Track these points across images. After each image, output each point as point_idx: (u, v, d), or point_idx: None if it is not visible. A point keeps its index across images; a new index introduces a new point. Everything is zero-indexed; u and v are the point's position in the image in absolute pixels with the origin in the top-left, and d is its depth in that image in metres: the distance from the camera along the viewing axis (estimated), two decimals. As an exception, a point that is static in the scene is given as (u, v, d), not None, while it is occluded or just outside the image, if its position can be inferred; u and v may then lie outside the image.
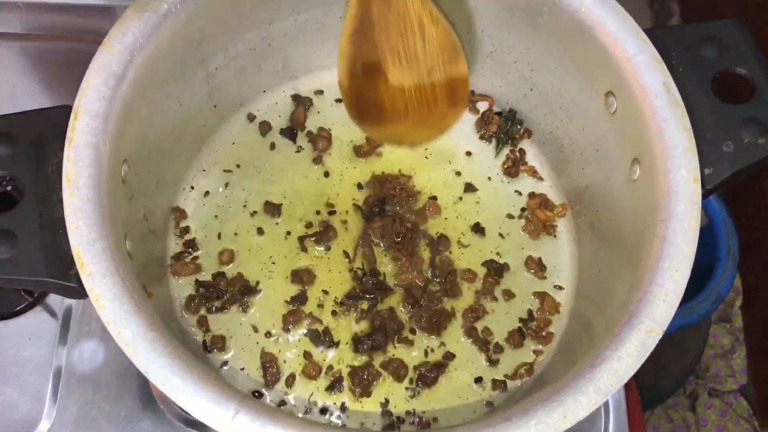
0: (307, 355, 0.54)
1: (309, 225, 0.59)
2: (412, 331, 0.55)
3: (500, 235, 0.59)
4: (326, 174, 0.61)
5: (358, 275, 0.56)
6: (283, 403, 0.53)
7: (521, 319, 0.57)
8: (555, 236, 0.60)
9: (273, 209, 0.58)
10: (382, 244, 0.58)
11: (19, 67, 0.67)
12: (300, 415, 0.53)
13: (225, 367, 0.54)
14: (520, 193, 0.61)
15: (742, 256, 1.03)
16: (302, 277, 0.56)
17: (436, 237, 0.58)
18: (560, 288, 0.58)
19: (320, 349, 0.55)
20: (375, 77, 0.57)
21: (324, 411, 0.53)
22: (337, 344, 0.55)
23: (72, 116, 0.43)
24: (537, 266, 0.58)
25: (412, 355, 0.55)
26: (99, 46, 0.45)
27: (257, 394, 0.53)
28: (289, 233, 0.58)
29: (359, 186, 0.60)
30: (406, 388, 0.54)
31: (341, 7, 0.58)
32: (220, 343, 0.54)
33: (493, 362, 0.55)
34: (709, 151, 0.46)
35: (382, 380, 0.54)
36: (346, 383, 0.53)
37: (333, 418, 0.53)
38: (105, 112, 0.43)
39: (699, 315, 1.00)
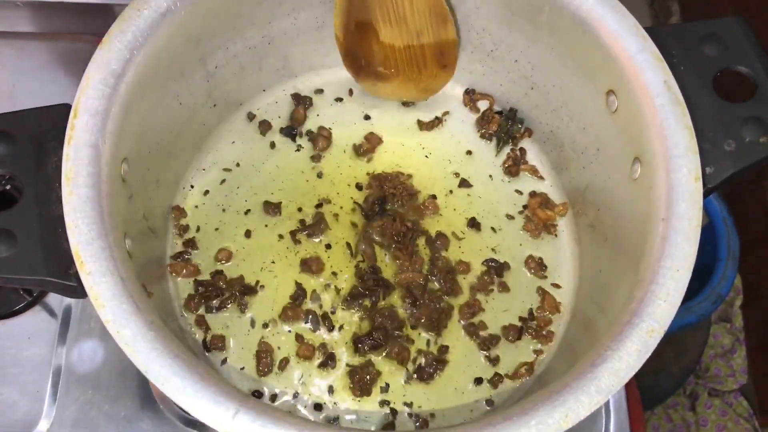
0: (299, 338, 0.54)
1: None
2: (413, 328, 0.55)
3: (500, 234, 0.59)
4: (326, 173, 0.60)
5: (359, 273, 0.56)
6: (274, 397, 0.53)
7: (521, 318, 0.56)
8: (555, 235, 0.59)
9: (272, 208, 0.58)
10: (383, 243, 0.57)
11: (18, 66, 0.67)
12: (291, 399, 0.53)
13: (224, 365, 0.54)
14: (520, 192, 0.61)
15: (743, 255, 1.03)
16: (311, 265, 0.56)
17: (434, 235, 0.58)
18: (561, 287, 0.58)
19: (318, 332, 0.55)
20: (368, 34, 0.58)
21: (319, 407, 0.53)
22: (339, 328, 0.55)
23: (71, 114, 0.43)
24: (537, 265, 0.58)
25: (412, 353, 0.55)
26: (98, 45, 0.45)
27: (257, 394, 0.53)
28: (288, 232, 0.58)
29: (358, 186, 0.60)
30: (405, 382, 0.54)
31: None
32: (219, 342, 0.54)
33: (493, 361, 0.55)
34: (710, 149, 0.46)
35: (381, 379, 0.54)
36: (345, 382, 0.53)
37: (332, 417, 0.53)
38: (104, 111, 0.43)
39: (699, 315, 1.00)
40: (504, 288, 0.57)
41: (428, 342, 0.55)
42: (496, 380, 0.54)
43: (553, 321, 0.56)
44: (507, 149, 0.62)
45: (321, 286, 0.56)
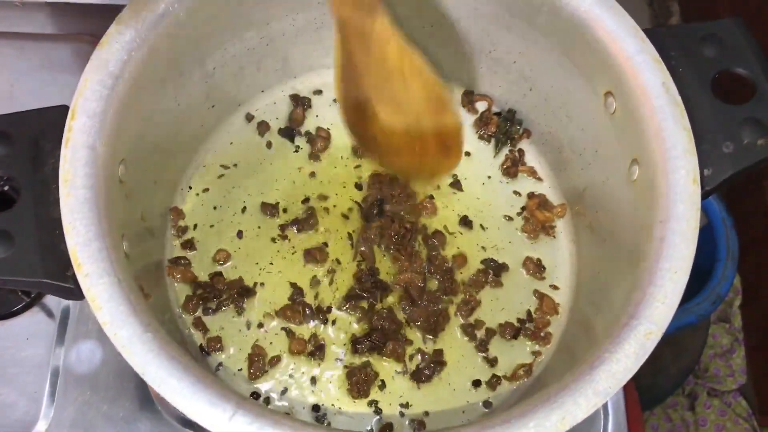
0: (291, 333, 0.54)
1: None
2: (410, 328, 0.55)
3: (498, 235, 0.59)
4: (324, 174, 0.60)
5: (358, 274, 0.56)
6: (271, 399, 0.53)
7: (519, 320, 0.56)
8: (554, 237, 0.59)
9: (270, 209, 0.58)
10: (381, 245, 0.57)
11: (17, 67, 0.67)
12: (288, 401, 0.53)
13: (221, 368, 0.54)
14: (518, 194, 0.61)
15: (742, 255, 1.03)
16: (315, 255, 0.57)
17: (432, 233, 0.58)
18: (559, 288, 0.58)
19: (312, 324, 0.55)
20: (368, 114, 0.55)
21: (317, 409, 0.53)
22: (332, 322, 0.55)
23: (69, 116, 0.43)
24: (535, 267, 0.58)
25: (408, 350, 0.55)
26: (96, 46, 0.45)
27: (255, 395, 0.53)
28: (278, 226, 0.58)
29: (357, 185, 0.60)
30: (402, 384, 0.54)
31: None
32: (217, 344, 0.54)
33: (491, 362, 0.55)
34: (708, 151, 0.46)
35: (379, 380, 0.54)
36: (343, 383, 0.53)
37: (328, 419, 0.53)
38: (102, 112, 0.43)
39: (698, 315, 1.00)
40: (501, 289, 0.57)
41: (426, 343, 0.55)
42: (494, 382, 0.54)
43: (551, 322, 0.56)
44: (505, 150, 0.62)
45: (322, 275, 0.57)
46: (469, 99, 0.63)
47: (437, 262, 0.57)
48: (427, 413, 0.53)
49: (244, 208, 0.59)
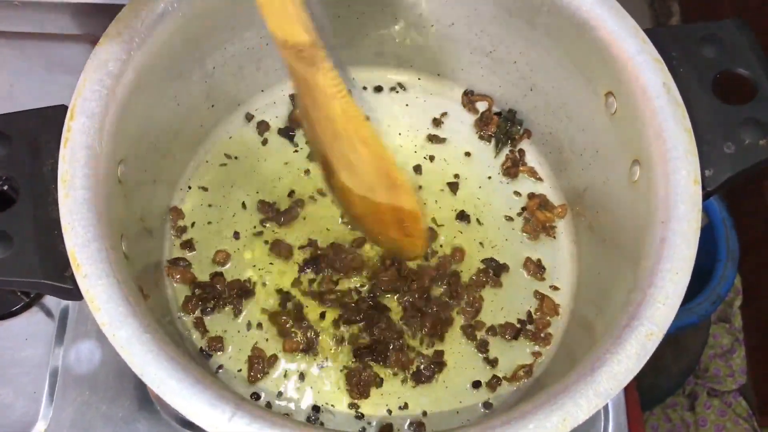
0: (287, 333, 0.54)
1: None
2: (413, 335, 0.55)
3: (499, 235, 0.59)
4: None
5: (354, 299, 0.56)
6: (271, 399, 0.53)
7: (520, 320, 0.56)
8: (554, 237, 0.59)
9: (269, 209, 0.58)
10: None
11: (16, 67, 0.67)
12: (287, 401, 0.53)
13: (221, 370, 0.53)
14: (519, 194, 0.61)
15: (742, 256, 1.03)
16: (280, 248, 0.57)
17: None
18: (559, 289, 0.58)
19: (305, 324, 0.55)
20: (332, 171, 0.51)
21: (317, 409, 0.53)
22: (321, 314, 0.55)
23: (68, 116, 0.43)
24: (536, 267, 0.58)
25: (410, 356, 0.55)
26: (95, 46, 0.45)
27: (255, 396, 0.53)
28: (259, 221, 0.58)
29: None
30: (402, 385, 0.53)
31: (341, 7, 0.58)
32: (217, 344, 0.54)
33: (491, 363, 0.55)
34: (709, 152, 0.46)
35: (379, 381, 0.53)
36: (343, 384, 0.53)
37: (328, 419, 0.52)
38: (101, 112, 0.43)
39: (699, 315, 1.00)
40: (502, 289, 0.57)
41: (426, 345, 0.55)
42: (494, 383, 0.54)
43: (551, 323, 0.56)
44: (506, 150, 0.62)
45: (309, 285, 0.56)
46: (469, 99, 0.63)
47: (443, 270, 0.57)
48: (425, 414, 0.53)
49: (244, 208, 0.58)
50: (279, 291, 0.56)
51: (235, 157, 0.60)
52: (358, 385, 0.53)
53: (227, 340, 0.54)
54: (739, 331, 1.18)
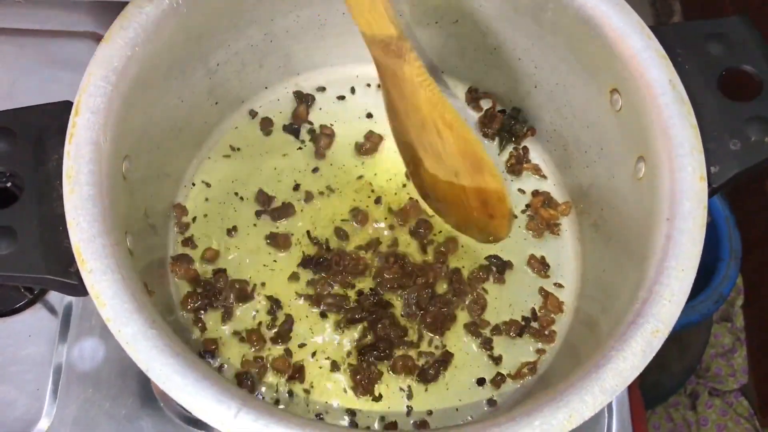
0: (287, 351, 0.54)
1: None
2: (418, 333, 0.55)
3: (503, 233, 0.59)
4: (328, 171, 0.60)
5: (358, 296, 0.56)
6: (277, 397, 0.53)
7: (524, 318, 0.56)
8: (558, 235, 0.59)
9: (267, 201, 0.58)
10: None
11: (18, 64, 0.66)
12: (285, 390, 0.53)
13: (225, 367, 0.53)
14: (523, 191, 0.61)
15: (744, 255, 1.03)
16: (279, 240, 0.56)
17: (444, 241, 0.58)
18: (563, 287, 0.58)
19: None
20: (415, 157, 0.54)
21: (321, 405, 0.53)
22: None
23: (73, 112, 0.43)
24: (540, 265, 0.58)
25: (415, 354, 0.55)
26: (100, 42, 0.44)
27: (267, 386, 0.53)
28: (254, 212, 0.58)
29: (361, 183, 0.60)
30: (407, 382, 0.53)
31: (343, 3, 0.58)
32: (212, 345, 0.53)
33: (495, 360, 0.55)
34: (715, 149, 0.46)
35: (383, 378, 0.53)
36: (347, 381, 0.53)
37: (332, 416, 0.52)
38: (106, 108, 0.43)
39: (701, 314, 0.99)
40: (506, 286, 0.57)
41: (431, 343, 0.55)
42: (498, 380, 0.54)
43: (555, 321, 0.56)
44: (510, 148, 0.62)
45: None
46: (473, 96, 0.63)
47: (445, 268, 0.57)
48: (430, 412, 0.53)
49: (249, 205, 0.58)
50: (272, 299, 0.55)
51: (239, 155, 0.60)
52: (363, 381, 0.52)
53: (223, 340, 0.54)
54: (740, 330, 1.18)
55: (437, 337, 0.55)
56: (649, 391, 1.10)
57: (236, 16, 0.54)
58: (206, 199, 0.58)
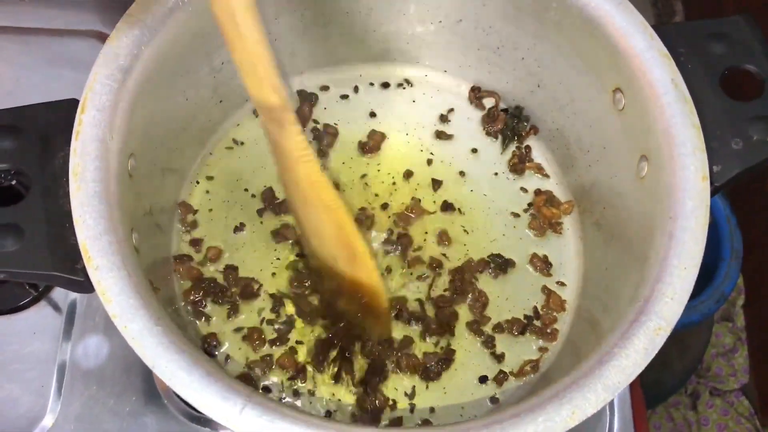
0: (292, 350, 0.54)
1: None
2: (422, 336, 0.55)
3: (505, 231, 0.59)
4: (332, 169, 0.60)
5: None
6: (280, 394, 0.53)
7: (526, 316, 0.56)
8: (561, 233, 0.59)
9: (278, 204, 0.58)
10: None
11: (22, 62, 0.67)
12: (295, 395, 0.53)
13: (229, 363, 0.54)
14: (525, 190, 0.61)
15: (745, 255, 1.03)
16: (284, 234, 0.56)
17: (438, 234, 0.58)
18: (566, 285, 0.58)
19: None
20: (305, 237, 0.51)
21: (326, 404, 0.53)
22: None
23: (79, 109, 0.43)
24: (542, 263, 0.58)
25: (418, 352, 0.55)
26: (106, 40, 0.45)
27: (265, 389, 0.53)
28: (256, 210, 0.58)
29: (365, 181, 0.60)
30: (410, 380, 0.54)
31: (349, 2, 0.58)
32: (212, 340, 0.53)
33: (498, 358, 0.55)
34: (717, 148, 0.46)
35: (387, 376, 0.53)
36: (348, 377, 0.53)
37: (337, 412, 0.53)
38: (112, 106, 0.43)
39: (702, 314, 1.00)
40: (508, 285, 0.57)
41: (436, 343, 0.55)
42: (501, 378, 0.54)
43: (558, 319, 0.56)
44: (512, 147, 0.62)
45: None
46: (476, 95, 0.63)
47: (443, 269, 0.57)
48: (433, 410, 0.53)
49: (253, 203, 0.58)
50: (276, 297, 0.55)
51: (243, 153, 0.60)
52: (372, 410, 0.52)
53: (223, 335, 0.54)
54: (741, 330, 1.19)
55: (441, 338, 0.55)
56: (650, 389, 1.10)
57: (240, 15, 0.54)
58: (210, 198, 0.58)
